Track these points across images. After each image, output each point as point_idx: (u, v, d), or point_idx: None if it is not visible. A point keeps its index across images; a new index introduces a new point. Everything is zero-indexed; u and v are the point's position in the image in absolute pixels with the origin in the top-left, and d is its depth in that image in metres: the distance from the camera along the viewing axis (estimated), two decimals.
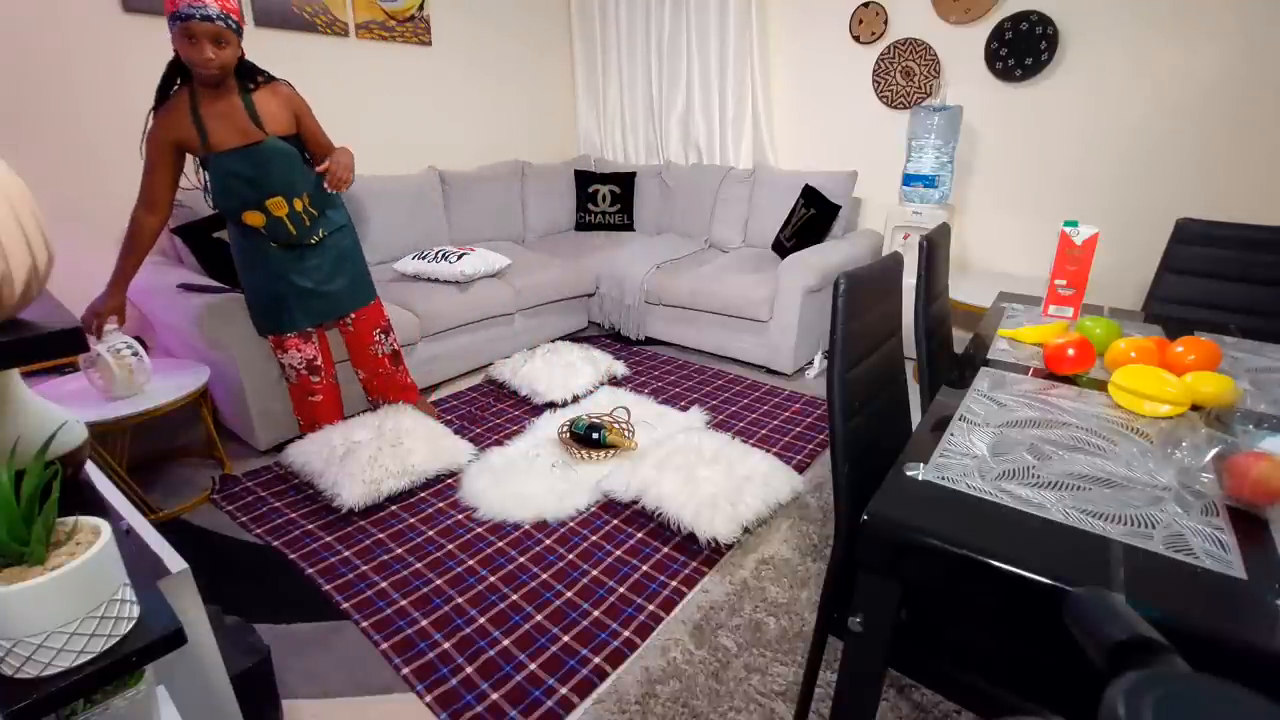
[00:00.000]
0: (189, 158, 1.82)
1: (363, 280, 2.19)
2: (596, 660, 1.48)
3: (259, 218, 1.86)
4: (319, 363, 2.13)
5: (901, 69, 3.19)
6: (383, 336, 2.28)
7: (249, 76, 1.81)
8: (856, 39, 3.30)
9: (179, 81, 1.76)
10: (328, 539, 1.88)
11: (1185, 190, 2.65)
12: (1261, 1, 2.36)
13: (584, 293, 3.47)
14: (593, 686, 1.41)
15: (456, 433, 2.43)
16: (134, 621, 0.61)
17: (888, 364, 1.24)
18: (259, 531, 1.92)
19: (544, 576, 1.74)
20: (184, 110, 1.72)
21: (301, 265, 1.99)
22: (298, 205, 1.91)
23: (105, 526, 0.61)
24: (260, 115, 1.79)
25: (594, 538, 1.90)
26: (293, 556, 1.81)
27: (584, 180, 4.03)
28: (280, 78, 1.88)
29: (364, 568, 1.77)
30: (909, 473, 0.93)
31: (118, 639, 0.59)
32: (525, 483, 2.11)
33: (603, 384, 2.89)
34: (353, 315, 2.18)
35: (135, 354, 1.89)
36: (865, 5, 3.22)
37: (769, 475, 2.04)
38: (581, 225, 4.09)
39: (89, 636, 0.57)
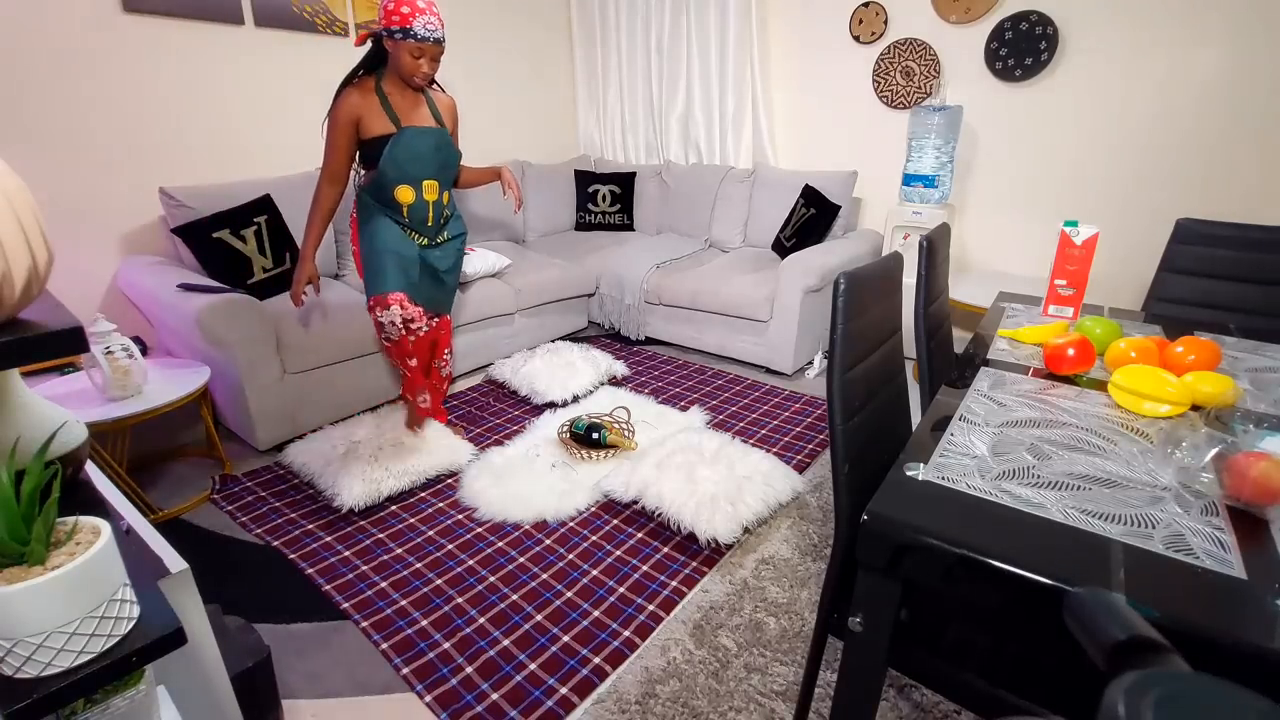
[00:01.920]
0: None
1: (454, 293, 2.33)
2: (596, 660, 1.48)
3: (410, 194, 1.99)
4: (421, 326, 2.10)
5: (901, 69, 3.19)
6: (449, 356, 2.41)
7: (431, 82, 2.04)
8: (856, 39, 3.30)
9: (363, 71, 1.96)
10: (328, 539, 1.88)
11: (1185, 190, 2.65)
12: (1260, 2, 2.36)
13: (584, 293, 3.47)
14: (593, 686, 1.41)
15: (456, 433, 2.43)
16: (134, 621, 0.61)
17: (888, 364, 1.24)
18: (259, 531, 1.92)
19: (544, 576, 1.74)
20: (370, 94, 1.91)
21: (433, 256, 2.13)
22: (445, 198, 2.11)
23: (105, 526, 0.61)
24: (439, 111, 2.07)
25: (594, 538, 1.90)
26: (293, 556, 1.81)
27: (584, 180, 4.03)
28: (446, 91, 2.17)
29: (364, 568, 1.77)
30: (909, 472, 0.93)
31: (118, 639, 0.59)
32: (525, 483, 2.11)
33: (603, 384, 2.89)
34: (437, 320, 2.27)
35: (130, 355, 1.88)
36: (865, 5, 3.22)
37: (769, 475, 2.04)
38: (581, 225, 4.09)
39: (89, 636, 0.57)
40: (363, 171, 2.04)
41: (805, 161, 3.66)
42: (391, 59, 1.90)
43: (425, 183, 2.01)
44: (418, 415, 2.31)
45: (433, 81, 2.02)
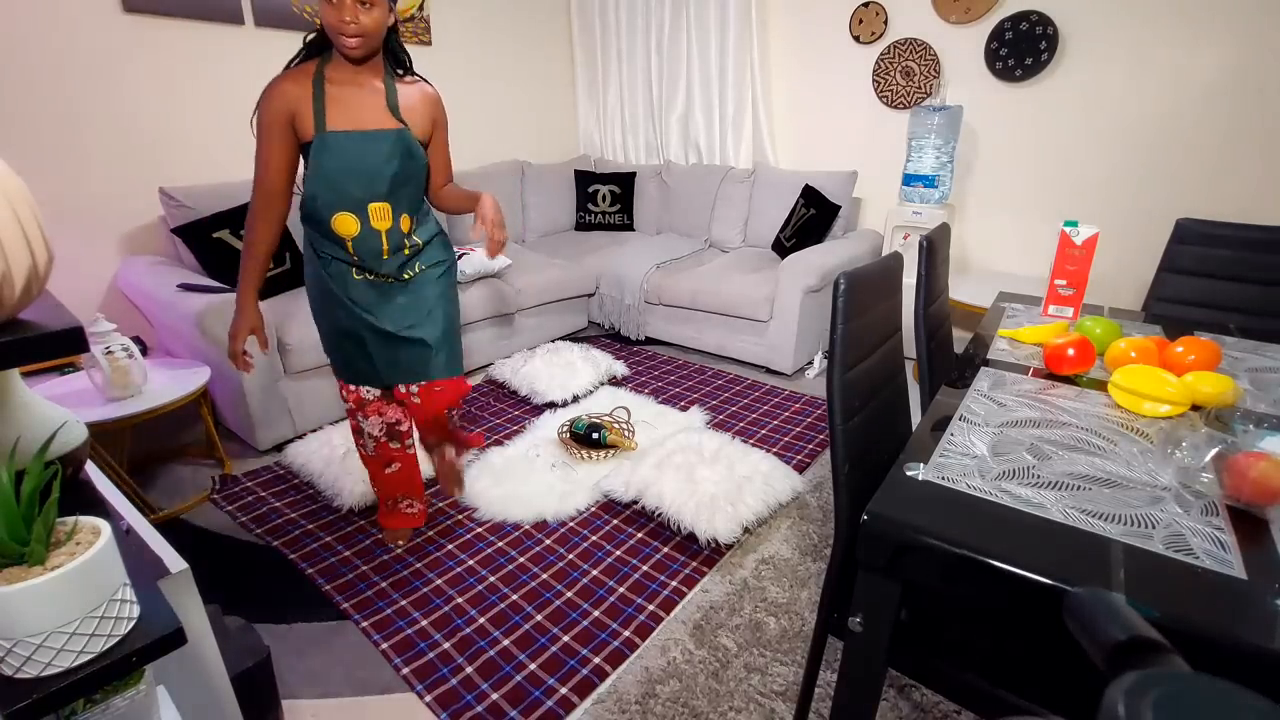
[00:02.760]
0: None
1: (454, 341, 1.67)
2: (596, 660, 1.48)
3: (352, 224, 1.45)
4: (403, 427, 1.75)
5: (901, 69, 3.19)
6: (453, 414, 1.79)
7: (399, 63, 1.52)
8: (856, 39, 3.30)
9: (303, 56, 1.46)
10: (328, 539, 1.88)
11: (1185, 190, 2.65)
12: (1261, 2, 2.36)
13: (584, 293, 3.47)
14: (593, 686, 1.41)
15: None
16: (134, 621, 0.61)
17: (888, 364, 1.24)
18: (259, 531, 1.92)
19: (544, 576, 1.74)
20: (305, 80, 1.40)
21: (386, 304, 1.55)
22: (404, 224, 1.52)
23: (105, 526, 0.61)
24: (400, 105, 1.48)
25: (594, 538, 1.90)
26: (293, 556, 1.81)
27: (584, 180, 4.03)
28: (430, 81, 1.58)
29: (364, 568, 1.77)
30: (909, 472, 0.93)
31: (118, 639, 0.59)
32: (525, 483, 2.11)
33: (603, 384, 2.89)
34: (437, 385, 1.63)
35: (130, 354, 1.88)
36: (865, 5, 3.22)
37: (769, 475, 2.04)
38: (581, 225, 4.09)
39: (89, 636, 0.57)
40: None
41: (805, 161, 3.65)
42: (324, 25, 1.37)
43: (372, 206, 1.44)
44: (403, 525, 1.88)
45: (408, 64, 1.53)
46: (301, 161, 1.45)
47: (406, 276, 1.56)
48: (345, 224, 1.46)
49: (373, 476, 1.84)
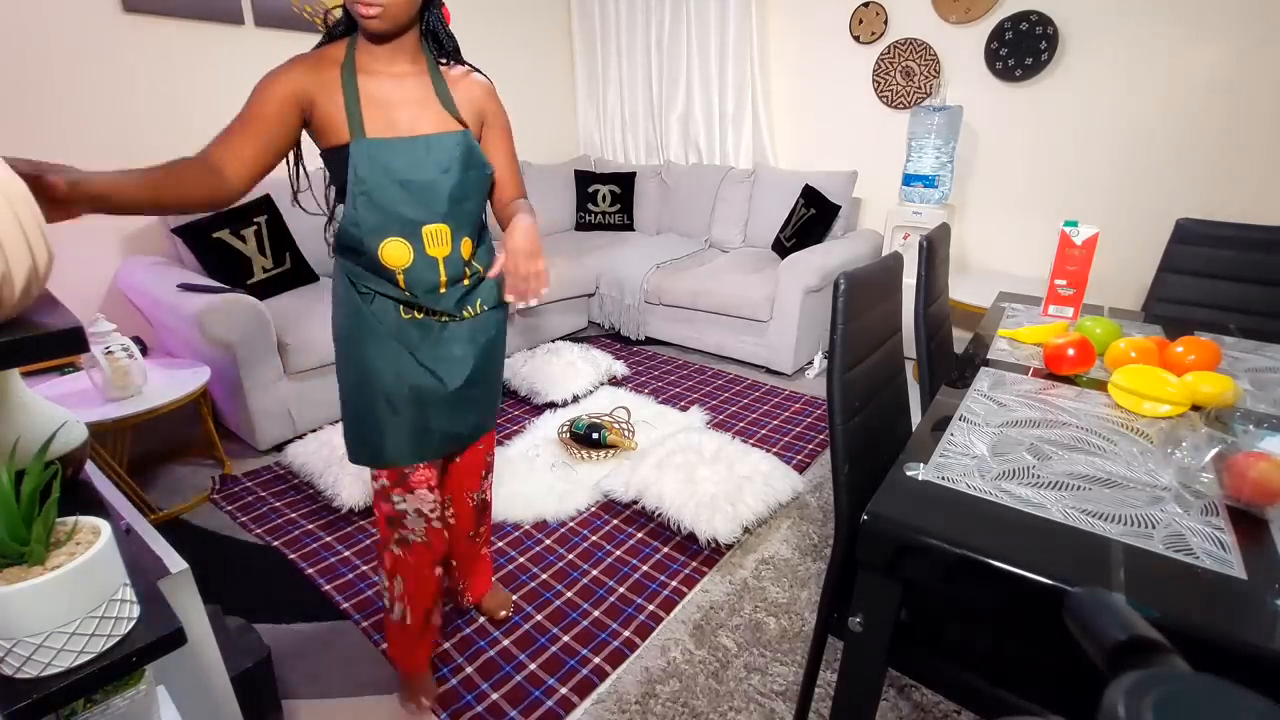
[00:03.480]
0: (302, 148, 1.16)
1: (497, 393, 1.40)
2: (596, 660, 1.48)
3: (404, 253, 1.14)
4: (439, 500, 1.32)
5: (901, 69, 3.19)
6: (486, 477, 1.50)
7: (441, 48, 1.20)
8: (856, 39, 3.30)
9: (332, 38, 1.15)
10: (328, 539, 1.88)
11: (1185, 190, 2.65)
12: (1261, 1, 2.36)
13: (584, 293, 3.47)
14: (593, 686, 1.41)
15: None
16: (134, 621, 0.61)
17: (888, 364, 1.24)
18: (259, 531, 1.92)
19: (544, 576, 1.74)
20: (330, 68, 1.09)
21: (441, 350, 1.22)
22: (465, 249, 1.20)
23: (105, 526, 0.61)
24: (456, 103, 1.17)
25: (594, 538, 1.90)
26: (293, 556, 1.81)
27: (584, 180, 4.03)
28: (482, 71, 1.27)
29: (364, 568, 1.77)
30: (909, 473, 0.93)
31: (118, 639, 0.59)
32: (525, 483, 2.11)
33: (603, 384, 2.89)
34: (480, 443, 1.42)
35: (130, 354, 1.88)
36: (865, 5, 3.22)
37: (769, 475, 2.04)
38: (581, 225, 4.09)
39: (89, 636, 0.57)
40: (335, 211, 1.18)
41: (805, 161, 3.65)
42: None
43: (427, 229, 1.14)
44: (424, 683, 1.39)
45: (454, 48, 1.21)
46: (325, 174, 1.16)
47: (466, 315, 1.24)
48: (396, 253, 1.14)
49: (417, 586, 1.30)
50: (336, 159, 1.10)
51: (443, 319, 1.22)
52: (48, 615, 0.54)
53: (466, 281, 1.23)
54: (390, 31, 1.08)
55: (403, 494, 1.24)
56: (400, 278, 1.16)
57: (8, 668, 0.55)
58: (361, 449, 1.23)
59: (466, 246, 1.20)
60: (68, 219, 0.75)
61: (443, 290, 1.19)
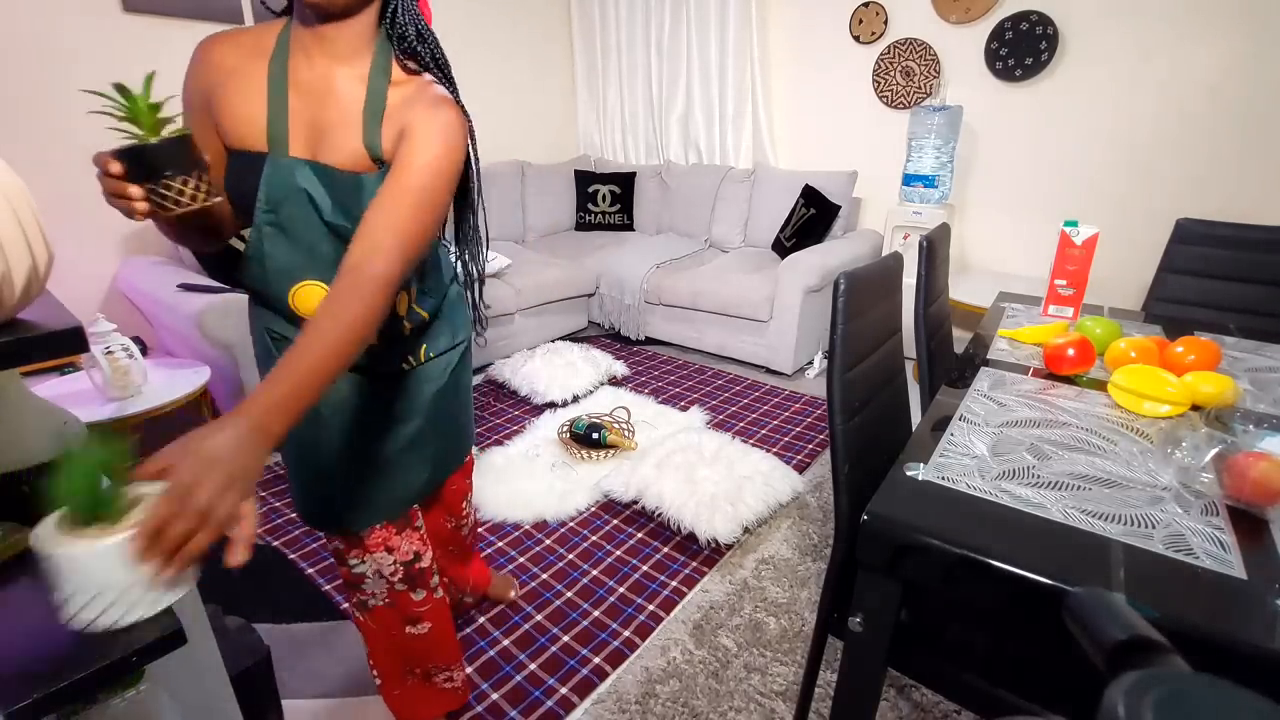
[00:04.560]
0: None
1: (469, 424, 1.27)
2: (596, 660, 1.48)
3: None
4: (424, 563, 1.15)
5: (901, 69, 3.19)
6: (466, 504, 1.39)
7: (401, 47, 0.90)
8: (856, 39, 3.30)
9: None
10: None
11: (1185, 190, 2.65)
12: (1261, 1, 2.36)
13: (584, 293, 3.47)
14: (593, 686, 1.41)
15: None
16: (195, 578, 0.65)
17: (888, 364, 1.24)
18: (259, 531, 1.92)
19: (544, 576, 1.74)
20: (256, 51, 0.90)
21: (377, 406, 1.05)
22: (400, 304, 0.99)
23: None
24: (386, 124, 0.87)
25: (594, 538, 1.90)
26: (293, 556, 1.81)
27: (584, 180, 4.03)
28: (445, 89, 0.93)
29: None
30: (909, 473, 0.93)
31: (179, 594, 0.64)
32: (525, 483, 2.11)
33: (603, 384, 2.89)
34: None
35: (130, 354, 1.88)
36: (865, 5, 3.22)
37: (769, 475, 2.04)
38: (581, 225, 4.09)
39: (160, 593, 0.61)
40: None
41: (805, 161, 3.65)
42: None
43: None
44: (442, 708, 1.28)
45: (417, 50, 0.91)
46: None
47: (406, 367, 1.05)
48: (311, 301, 0.91)
49: (380, 644, 1.18)
50: (242, 166, 0.86)
51: (374, 376, 1.03)
52: (125, 570, 0.57)
53: (409, 331, 1.02)
54: (334, 10, 0.82)
55: (360, 556, 1.08)
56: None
57: (89, 618, 0.57)
58: (310, 512, 1.07)
59: (402, 301, 0.98)
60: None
61: (380, 348, 0.99)
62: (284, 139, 0.85)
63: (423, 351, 1.06)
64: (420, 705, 1.24)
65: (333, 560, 1.16)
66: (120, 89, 0.67)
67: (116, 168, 0.68)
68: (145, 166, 0.67)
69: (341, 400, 1.01)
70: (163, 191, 0.68)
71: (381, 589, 1.11)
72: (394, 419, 1.06)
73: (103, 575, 0.57)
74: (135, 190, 0.69)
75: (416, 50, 0.90)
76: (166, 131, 0.71)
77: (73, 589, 0.56)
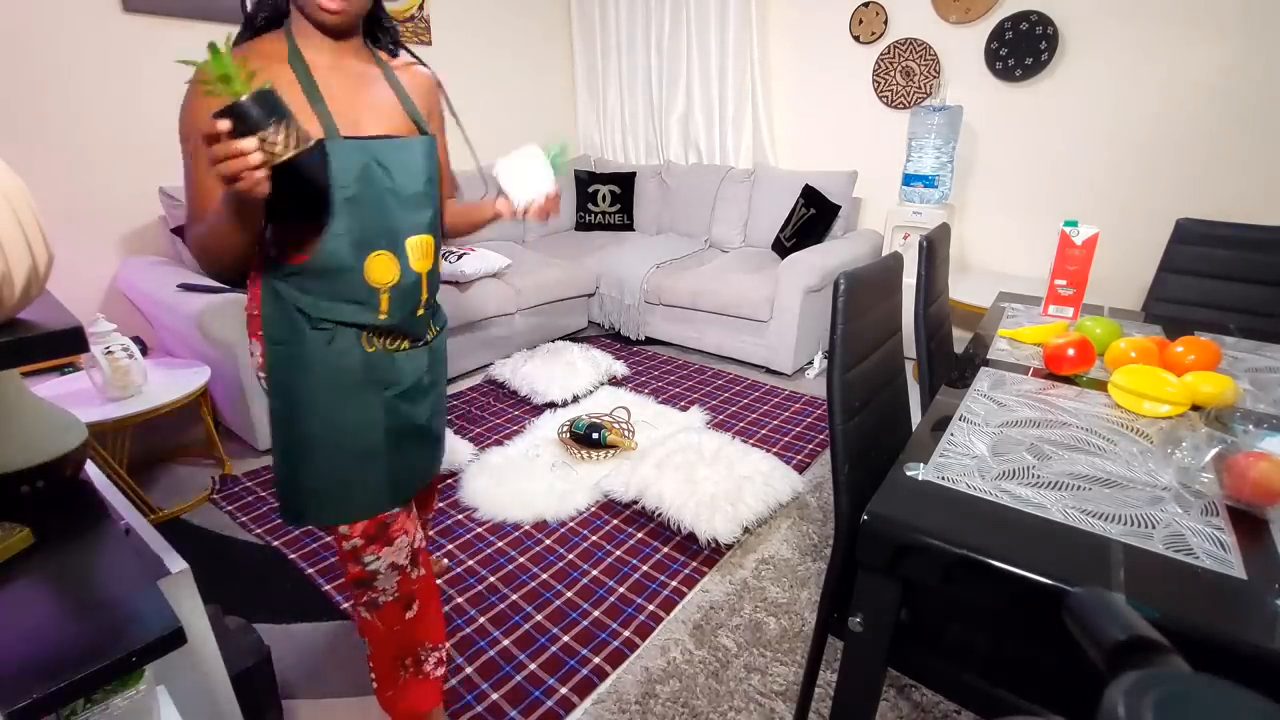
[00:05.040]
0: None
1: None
2: (596, 660, 1.48)
3: (391, 269, 1.00)
4: (420, 542, 1.20)
5: (901, 69, 3.19)
6: (434, 500, 1.47)
7: (387, 37, 1.09)
8: (856, 39, 3.30)
9: (254, 32, 0.99)
10: (328, 539, 1.88)
11: (1185, 190, 2.65)
12: (1261, 1, 2.36)
13: (584, 293, 3.47)
14: (593, 686, 1.41)
15: (456, 433, 2.43)
16: None
17: (888, 364, 1.24)
18: (259, 531, 1.92)
19: (544, 576, 1.74)
20: (274, 59, 0.93)
21: (407, 382, 1.10)
22: (441, 263, 1.13)
23: None
24: (411, 97, 1.06)
25: (594, 538, 1.90)
26: (293, 556, 1.81)
27: (584, 180, 4.03)
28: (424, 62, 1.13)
29: None
30: (909, 473, 0.93)
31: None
32: (525, 483, 2.11)
33: (603, 384, 2.89)
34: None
35: (130, 354, 1.88)
36: (865, 5, 3.22)
37: (769, 475, 2.04)
38: (581, 225, 4.09)
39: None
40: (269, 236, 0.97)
41: (805, 161, 3.66)
42: None
43: (412, 241, 1.02)
44: (435, 700, 1.27)
45: (397, 38, 1.09)
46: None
47: (429, 338, 1.14)
48: (383, 269, 0.99)
49: (382, 642, 1.18)
50: (294, 173, 0.88)
51: (403, 346, 1.08)
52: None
53: (434, 297, 1.12)
54: (347, 27, 0.97)
55: (376, 551, 1.10)
56: (384, 298, 1.00)
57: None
58: (327, 508, 1.06)
59: (439, 261, 1.11)
60: None
61: (421, 311, 1.08)
62: (333, 122, 0.94)
63: (434, 327, 1.16)
64: (414, 700, 1.24)
65: (336, 562, 1.17)
66: (212, 47, 0.72)
67: (224, 125, 0.72)
68: (247, 120, 0.73)
69: (375, 374, 1.05)
70: (269, 139, 0.74)
71: (392, 583, 1.14)
72: (421, 390, 1.13)
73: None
74: (248, 143, 0.72)
75: (398, 39, 1.10)
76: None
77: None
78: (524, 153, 1.08)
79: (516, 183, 1.07)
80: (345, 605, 1.63)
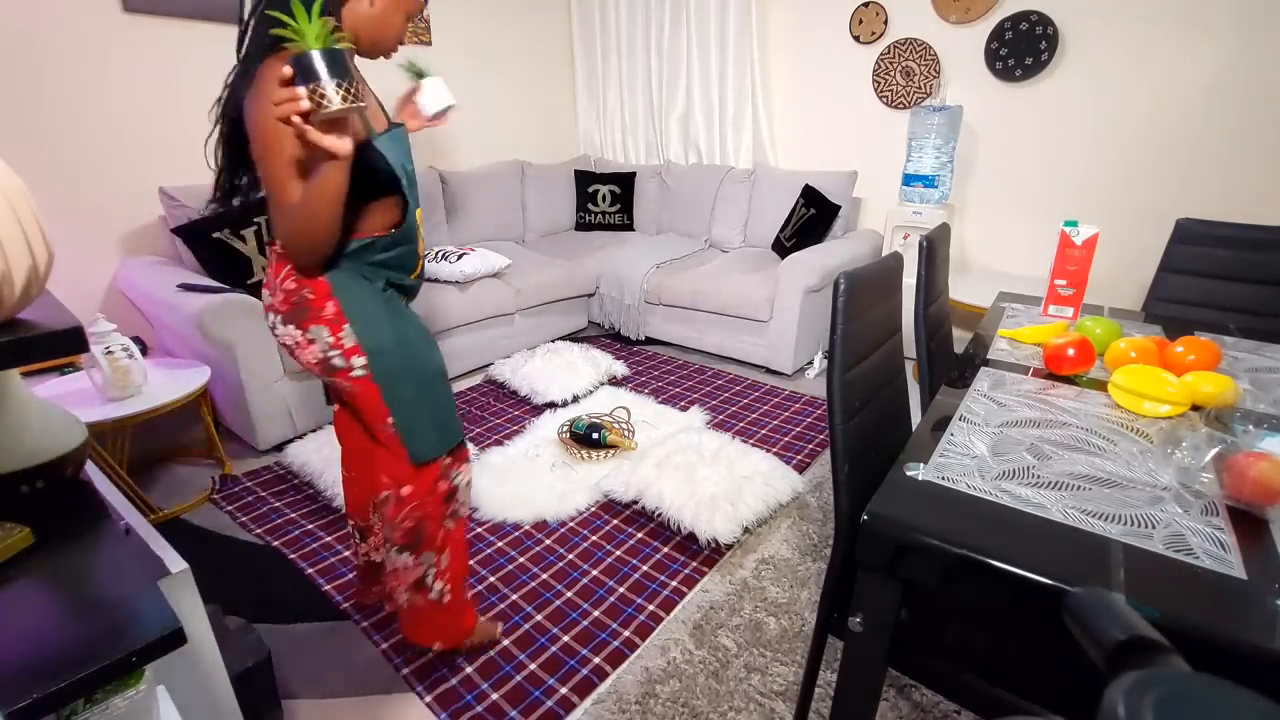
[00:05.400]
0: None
1: None
2: (596, 660, 1.48)
3: (420, 238, 1.28)
4: None
5: (901, 69, 3.19)
6: None
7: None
8: (856, 39, 3.30)
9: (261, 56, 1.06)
10: (328, 539, 1.88)
11: (1185, 190, 2.65)
12: (1261, 1, 2.36)
13: (584, 293, 3.47)
14: (593, 686, 1.41)
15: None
16: None
17: (888, 364, 1.24)
18: (259, 531, 1.92)
19: (544, 577, 1.74)
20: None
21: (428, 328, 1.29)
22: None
23: None
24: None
25: (594, 538, 1.90)
26: (293, 556, 1.81)
27: (584, 180, 4.03)
28: None
29: None
30: (909, 473, 0.93)
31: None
32: (525, 483, 2.11)
33: (603, 384, 2.89)
34: None
35: (130, 354, 1.88)
36: (865, 5, 3.22)
37: (769, 475, 2.04)
38: (581, 225, 4.09)
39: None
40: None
41: (805, 161, 3.65)
42: (356, 17, 1.08)
43: (419, 214, 1.27)
44: (486, 630, 1.51)
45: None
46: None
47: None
48: (420, 238, 1.26)
49: (461, 552, 1.37)
50: (371, 160, 1.08)
51: (407, 300, 1.31)
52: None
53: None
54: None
55: (458, 467, 1.31)
56: (419, 264, 1.28)
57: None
58: (441, 436, 1.26)
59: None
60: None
61: (419, 274, 1.31)
62: (387, 114, 1.16)
63: None
64: (471, 614, 1.44)
65: (421, 486, 1.26)
66: (296, 8, 0.83)
67: (287, 71, 0.84)
68: (308, 71, 0.82)
69: (417, 321, 1.26)
70: (320, 92, 0.83)
71: (469, 496, 1.36)
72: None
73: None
74: (300, 90, 0.84)
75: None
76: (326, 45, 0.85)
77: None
78: (432, 81, 1.45)
79: (429, 98, 1.44)
80: (345, 605, 1.63)
